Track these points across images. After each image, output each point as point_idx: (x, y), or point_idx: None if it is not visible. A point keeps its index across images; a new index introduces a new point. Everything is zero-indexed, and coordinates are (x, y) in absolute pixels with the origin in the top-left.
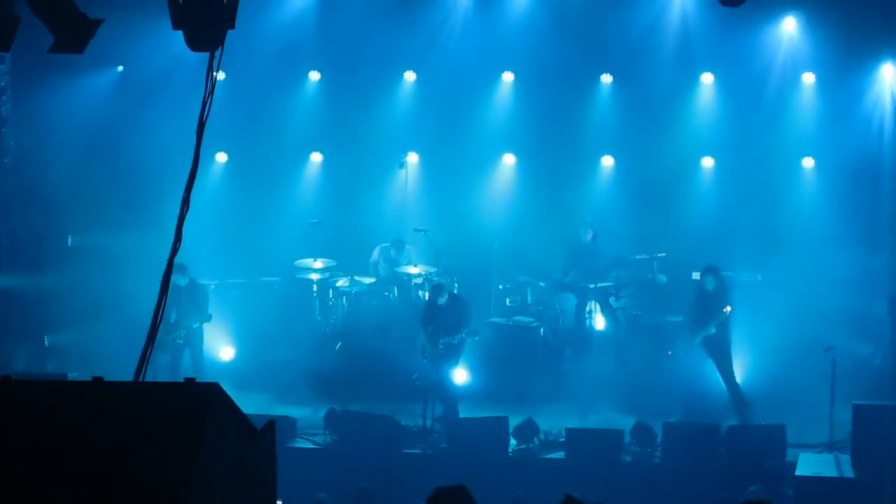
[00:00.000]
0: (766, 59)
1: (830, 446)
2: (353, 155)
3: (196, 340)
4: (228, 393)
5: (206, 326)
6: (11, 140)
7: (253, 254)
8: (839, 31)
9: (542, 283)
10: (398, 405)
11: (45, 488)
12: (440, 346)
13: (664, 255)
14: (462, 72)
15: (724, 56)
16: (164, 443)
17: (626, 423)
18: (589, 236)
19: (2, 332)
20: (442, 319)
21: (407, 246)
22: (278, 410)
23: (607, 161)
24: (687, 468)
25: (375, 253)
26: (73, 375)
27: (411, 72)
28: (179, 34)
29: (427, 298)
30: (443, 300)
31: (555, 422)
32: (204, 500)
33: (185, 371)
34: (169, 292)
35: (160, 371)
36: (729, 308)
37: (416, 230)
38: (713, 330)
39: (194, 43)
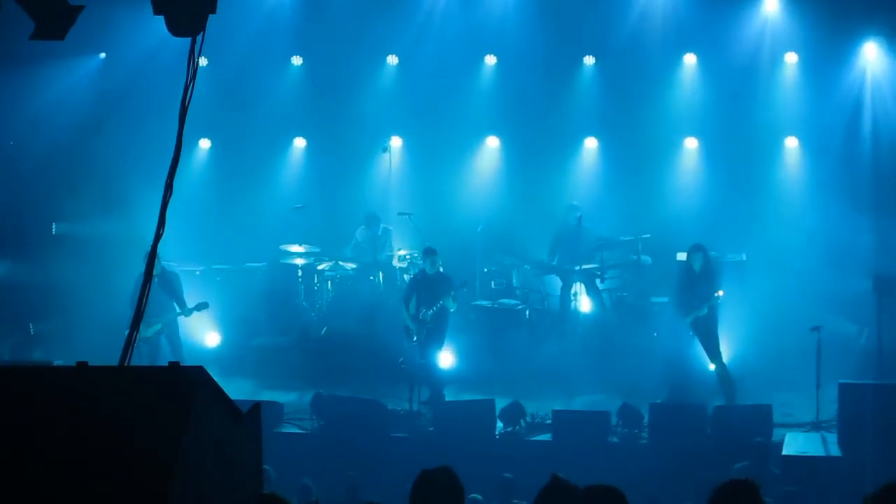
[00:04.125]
0: (749, 40)
1: (817, 425)
2: (337, 140)
3: (172, 329)
4: (214, 378)
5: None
6: None
7: (237, 239)
8: (821, 10)
9: (527, 266)
10: (384, 389)
11: (31, 473)
12: (428, 319)
13: (649, 236)
14: (445, 55)
15: (706, 37)
16: (149, 426)
17: (612, 404)
18: (574, 219)
19: None
20: (428, 292)
21: (384, 225)
22: (264, 396)
23: (591, 143)
24: (674, 449)
25: (356, 235)
26: (59, 363)
27: (394, 56)
28: (161, 20)
29: (412, 276)
30: (434, 267)
31: (541, 404)
32: (190, 483)
33: (163, 360)
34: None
35: (140, 362)
36: (721, 292)
37: (401, 214)
38: (705, 311)
39: (175, 28)
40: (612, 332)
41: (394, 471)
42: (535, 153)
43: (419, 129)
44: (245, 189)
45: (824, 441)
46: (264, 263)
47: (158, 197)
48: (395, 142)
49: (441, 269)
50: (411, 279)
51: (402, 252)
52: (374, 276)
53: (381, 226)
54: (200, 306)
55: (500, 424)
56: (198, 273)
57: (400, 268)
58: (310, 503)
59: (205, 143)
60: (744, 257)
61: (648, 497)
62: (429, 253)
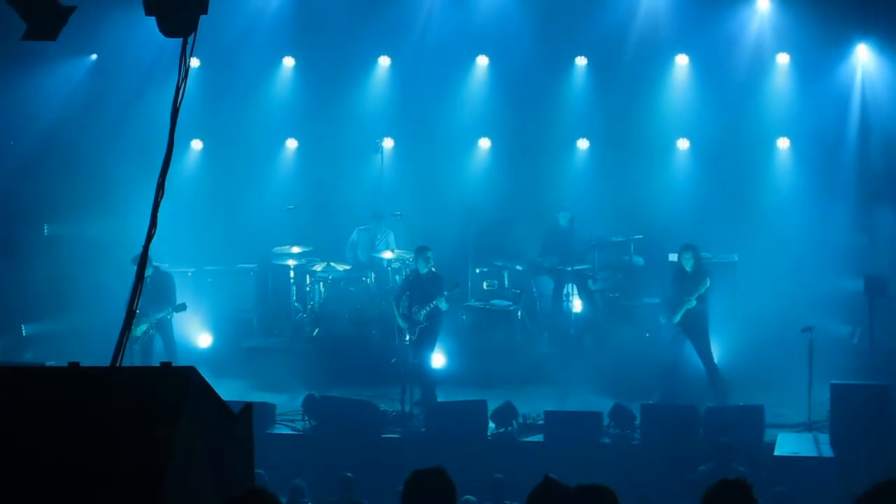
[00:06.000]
0: (741, 40)
1: (809, 426)
2: (329, 140)
3: (167, 329)
4: (206, 379)
5: (180, 314)
6: None
7: (229, 240)
8: (813, 10)
9: (519, 267)
10: (376, 390)
11: (22, 473)
12: (421, 319)
13: (641, 237)
14: (437, 56)
15: (698, 37)
16: (141, 426)
17: (604, 405)
18: (566, 220)
19: None
20: (420, 292)
21: (384, 227)
22: (256, 397)
23: (583, 144)
24: (666, 450)
25: (354, 235)
26: (51, 365)
27: (386, 57)
28: (153, 21)
29: (403, 276)
30: (427, 265)
31: (533, 405)
32: (181, 482)
33: (155, 361)
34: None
35: (132, 362)
36: (709, 280)
37: (393, 214)
38: (693, 303)
39: (167, 29)
40: (604, 332)
41: (386, 471)
42: (527, 154)
43: (411, 130)
44: (237, 190)
45: (816, 441)
46: (256, 264)
47: (150, 197)
48: (387, 143)
49: (433, 269)
50: (404, 278)
51: (393, 255)
52: (367, 277)
53: (382, 226)
54: (178, 308)
55: (492, 425)
56: (189, 274)
57: (392, 269)
58: None
59: (197, 144)
60: (735, 258)
61: (640, 497)
62: (421, 251)
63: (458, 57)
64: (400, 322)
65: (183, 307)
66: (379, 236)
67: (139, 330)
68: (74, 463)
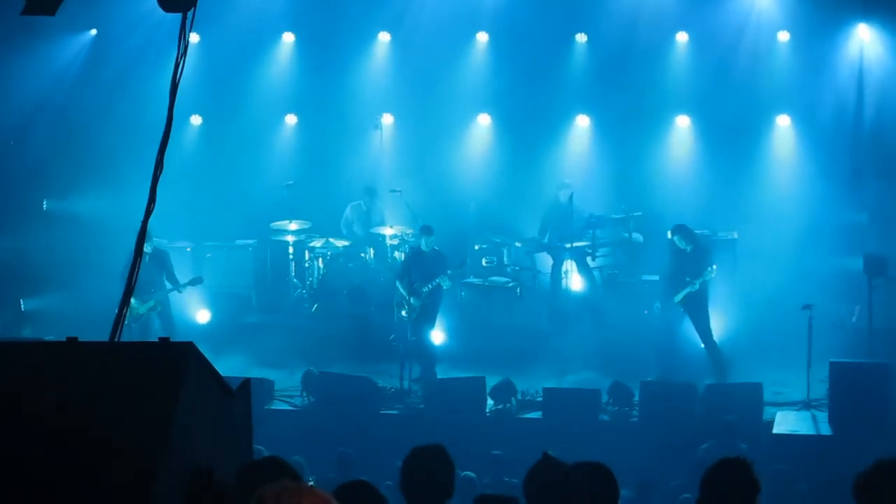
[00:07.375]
0: (742, 18)
1: (807, 404)
2: (328, 116)
3: (165, 306)
4: (205, 355)
5: (185, 290)
6: None
7: (228, 216)
8: None
9: (518, 244)
10: (375, 366)
11: (21, 449)
12: (423, 295)
13: (640, 214)
14: (437, 32)
15: (698, 15)
16: (139, 401)
17: (603, 382)
18: (565, 197)
19: None
20: (422, 270)
21: (378, 202)
22: (255, 373)
23: (582, 121)
24: (664, 427)
25: (347, 211)
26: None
27: (386, 33)
28: None
29: (406, 253)
30: (429, 245)
31: (532, 382)
32: (180, 458)
33: (153, 337)
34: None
35: (130, 339)
36: (715, 266)
37: (392, 191)
38: (696, 287)
39: (166, 4)
40: (603, 310)
41: (385, 448)
42: (527, 131)
43: (410, 107)
44: (236, 165)
45: (815, 420)
46: (255, 240)
47: (149, 173)
48: (387, 119)
49: (437, 248)
50: (406, 256)
51: (392, 231)
52: (365, 253)
53: (376, 201)
54: (195, 281)
55: (490, 402)
56: (188, 250)
57: (391, 245)
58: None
59: (196, 120)
60: (735, 235)
61: (638, 474)
62: (425, 231)
63: (457, 33)
64: (408, 299)
65: (199, 280)
66: (374, 211)
67: (145, 307)
68: (73, 438)
